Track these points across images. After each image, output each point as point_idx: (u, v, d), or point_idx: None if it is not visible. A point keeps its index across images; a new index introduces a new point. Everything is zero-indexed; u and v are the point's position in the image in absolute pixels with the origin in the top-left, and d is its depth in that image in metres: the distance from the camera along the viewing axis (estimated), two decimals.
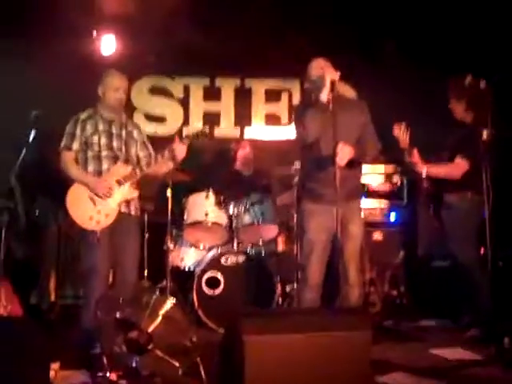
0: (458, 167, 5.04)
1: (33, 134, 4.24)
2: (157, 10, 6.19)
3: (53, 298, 5.97)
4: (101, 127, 4.63)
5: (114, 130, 4.67)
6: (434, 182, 5.23)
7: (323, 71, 4.28)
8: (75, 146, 4.58)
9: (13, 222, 5.67)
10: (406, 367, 4.10)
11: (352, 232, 4.38)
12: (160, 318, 3.62)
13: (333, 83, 4.17)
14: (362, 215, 4.83)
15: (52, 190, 6.07)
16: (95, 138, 4.59)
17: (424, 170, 5.08)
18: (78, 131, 4.59)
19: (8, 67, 6.73)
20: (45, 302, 5.94)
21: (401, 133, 4.92)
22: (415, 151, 5.06)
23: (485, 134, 4.61)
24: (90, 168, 4.57)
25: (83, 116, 4.65)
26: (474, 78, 4.87)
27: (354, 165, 4.37)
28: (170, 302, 3.67)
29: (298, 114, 4.55)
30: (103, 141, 4.60)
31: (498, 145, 4.99)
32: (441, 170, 5.13)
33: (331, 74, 4.23)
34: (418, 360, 4.34)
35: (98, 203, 4.49)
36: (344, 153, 4.14)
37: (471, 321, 5.16)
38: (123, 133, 4.71)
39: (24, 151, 4.22)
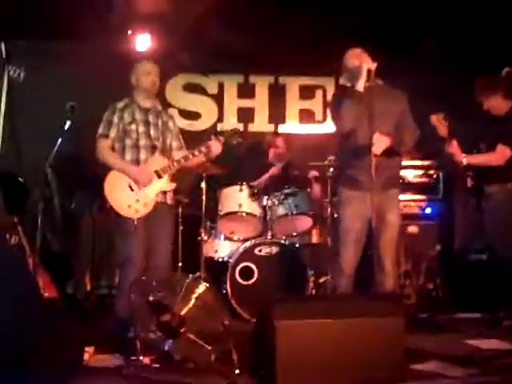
0: (500, 155, 4.97)
1: (68, 124, 4.30)
2: (191, 8, 6.23)
3: (88, 287, 6.06)
4: (138, 116, 4.68)
5: (150, 119, 4.72)
6: (474, 174, 5.19)
7: (360, 60, 4.31)
8: (112, 133, 4.62)
9: (48, 212, 5.79)
10: (441, 356, 4.06)
11: (389, 220, 4.39)
12: (193, 302, 3.65)
13: (369, 72, 4.21)
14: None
15: (87, 183, 6.18)
16: (133, 127, 4.63)
17: (464, 160, 5.04)
18: (116, 119, 4.63)
19: (48, 64, 6.83)
20: (80, 292, 6.03)
21: (439, 122, 4.91)
22: (454, 142, 5.03)
23: None
24: (128, 157, 4.61)
25: (120, 105, 4.70)
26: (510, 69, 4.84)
27: (392, 154, 4.36)
28: (203, 285, 3.70)
29: (334, 104, 4.58)
30: (141, 129, 4.65)
31: None
32: (481, 159, 5.09)
33: (368, 63, 4.28)
34: (452, 349, 4.28)
35: (137, 192, 4.54)
36: (380, 142, 4.17)
37: (507, 313, 5.10)
38: (159, 122, 4.77)
39: (59, 141, 4.28)
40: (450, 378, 3.59)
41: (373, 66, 4.25)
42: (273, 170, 6.39)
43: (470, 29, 6.52)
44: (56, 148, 4.25)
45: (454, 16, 6.49)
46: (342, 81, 4.59)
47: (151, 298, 3.60)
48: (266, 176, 6.29)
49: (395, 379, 3.42)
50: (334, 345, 3.40)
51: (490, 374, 3.69)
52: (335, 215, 5.54)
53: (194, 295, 3.66)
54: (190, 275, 3.75)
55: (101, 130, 4.65)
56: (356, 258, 4.40)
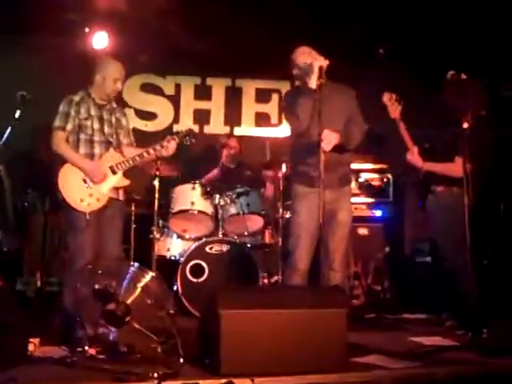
0: (459, 167, 4.78)
1: (18, 113, 4.25)
2: (149, 8, 6.25)
3: (39, 284, 5.99)
4: (93, 112, 4.65)
5: (104, 116, 4.71)
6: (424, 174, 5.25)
7: (312, 58, 4.37)
8: (69, 126, 4.57)
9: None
10: (383, 351, 4.13)
11: (341, 219, 4.46)
12: (139, 291, 3.65)
13: (321, 69, 4.26)
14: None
15: (40, 180, 6.13)
16: (88, 123, 4.61)
17: (423, 168, 5.12)
18: (73, 112, 4.59)
19: (3, 58, 6.82)
20: (30, 289, 5.96)
21: (390, 102, 4.99)
22: (415, 150, 5.13)
23: (465, 125, 4.63)
24: (82, 151, 4.58)
25: (76, 98, 4.65)
26: (455, 72, 4.89)
27: (343, 151, 4.43)
28: (150, 274, 3.70)
29: (288, 102, 4.62)
30: (96, 126, 4.63)
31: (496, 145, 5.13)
32: (440, 168, 5.10)
33: (319, 61, 4.32)
34: (396, 345, 4.35)
35: (91, 186, 4.54)
36: (329, 139, 4.21)
37: (450, 315, 5.21)
38: (113, 119, 4.76)
39: (9, 130, 4.22)
40: (390, 369, 3.66)
41: (324, 63, 4.31)
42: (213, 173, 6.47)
43: (423, 32, 6.64)
44: (5, 136, 4.18)
45: (409, 23, 6.62)
46: (294, 71, 4.60)
47: (96, 287, 3.59)
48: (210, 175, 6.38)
49: (336, 369, 3.49)
50: (277, 334, 3.46)
51: (430, 366, 3.77)
52: (287, 215, 5.61)
53: (140, 284, 3.66)
54: (136, 264, 3.73)
55: (57, 122, 4.58)
56: (309, 254, 4.42)
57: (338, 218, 4.43)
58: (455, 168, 4.90)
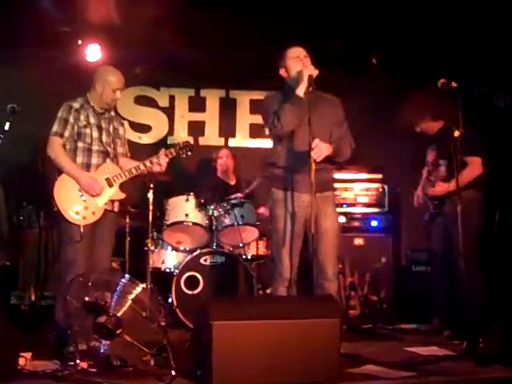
0: (476, 165, 5.01)
1: (7, 126, 4.21)
2: (143, 20, 6.24)
3: (33, 298, 5.94)
4: (92, 120, 4.61)
5: (103, 125, 4.68)
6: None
7: (302, 66, 4.31)
8: (67, 133, 4.52)
9: None
10: (379, 361, 4.09)
11: (327, 227, 4.32)
12: (130, 303, 3.61)
13: (310, 78, 4.21)
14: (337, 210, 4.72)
15: (36, 194, 6.10)
16: (87, 131, 4.56)
17: (450, 188, 4.99)
18: (72, 119, 4.53)
19: None
20: (25, 303, 5.91)
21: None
22: (440, 184, 5.15)
23: (456, 133, 4.60)
24: (79, 160, 4.54)
25: (76, 105, 4.59)
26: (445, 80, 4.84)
27: (332, 162, 4.37)
28: (141, 286, 3.67)
29: (270, 105, 4.44)
30: (95, 134, 4.59)
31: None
32: (465, 178, 4.95)
33: (309, 70, 4.26)
34: (391, 355, 4.32)
35: (87, 199, 4.50)
36: (320, 149, 4.13)
37: (443, 324, 5.17)
38: (111, 128, 4.74)
39: None
40: (385, 380, 3.62)
41: (314, 72, 4.25)
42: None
43: (416, 41, 6.63)
44: None
45: (398, 35, 6.62)
46: (282, 72, 4.52)
47: (87, 299, 3.56)
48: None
49: (330, 380, 3.45)
50: (270, 345, 3.42)
51: (426, 376, 3.73)
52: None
53: (131, 296, 3.62)
54: (127, 275, 3.70)
55: (55, 128, 4.52)
56: (295, 261, 4.32)
57: (323, 226, 4.30)
58: (471, 168, 5.04)
